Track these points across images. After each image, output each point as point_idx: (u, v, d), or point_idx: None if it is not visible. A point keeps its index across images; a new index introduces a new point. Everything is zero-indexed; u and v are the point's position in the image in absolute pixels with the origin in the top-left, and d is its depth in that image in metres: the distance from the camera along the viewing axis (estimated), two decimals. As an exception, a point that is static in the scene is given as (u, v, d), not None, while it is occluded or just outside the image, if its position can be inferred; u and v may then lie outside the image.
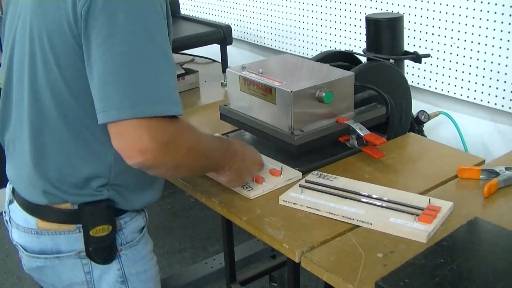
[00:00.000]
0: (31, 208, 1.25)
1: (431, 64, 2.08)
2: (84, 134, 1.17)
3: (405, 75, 1.78)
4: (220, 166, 1.32)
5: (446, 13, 1.98)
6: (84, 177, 1.19)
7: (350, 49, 2.30)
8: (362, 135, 1.49)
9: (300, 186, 1.39)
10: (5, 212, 1.35)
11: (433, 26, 2.04)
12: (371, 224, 1.25)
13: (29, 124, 1.20)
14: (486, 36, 1.89)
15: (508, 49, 1.85)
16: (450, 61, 2.02)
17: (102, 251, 1.23)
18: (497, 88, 1.91)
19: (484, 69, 1.92)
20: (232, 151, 1.33)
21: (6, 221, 1.35)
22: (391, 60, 1.73)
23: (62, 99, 1.15)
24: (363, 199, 1.33)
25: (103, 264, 1.25)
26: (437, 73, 2.07)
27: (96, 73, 1.07)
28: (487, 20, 1.87)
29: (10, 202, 1.32)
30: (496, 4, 1.84)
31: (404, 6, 2.11)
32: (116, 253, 1.26)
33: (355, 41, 2.31)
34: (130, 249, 1.28)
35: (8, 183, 1.35)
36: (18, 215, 1.28)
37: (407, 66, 1.98)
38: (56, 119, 1.17)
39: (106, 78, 1.06)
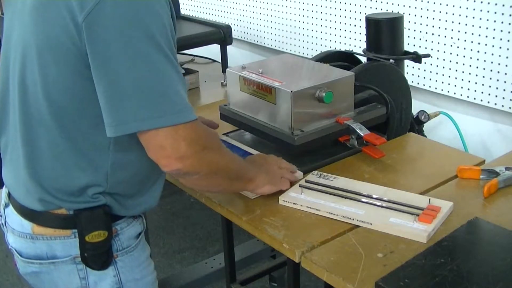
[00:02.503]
0: (26, 213, 1.23)
1: (431, 64, 2.08)
2: (81, 143, 1.16)
3: (405, 75, 1.78)
4: (249, 175, 1.31)
5: (446, 13, 1.99)
6: (81, 186, 1.18)
7: (350, 49, 2.30)
8: (362, 135, 1.49)
9: (300, 186, 1.39)
10: (1, 216, 1.34)
11: (433, 26, 2.04)
12: (371, 224, 1.25)
13: (21, 130, 1.18)
14: (486, 36, 1.89)
15: (508, 49, 1.85)
16: (450, 61, 2.02)
17: (97, 257, 1.22)
18: (497, 88, 1.91)
19: (484, 69, 1.93)
20: (251, 159, 1.37)
21: (2, 224, 1.33)
22: (391, 60, 1.73)
23: (58, 108, 1.14)
24: (363, 199, 1.33)
25: (98, 270, 1.23)
26: (437, 73, 2.07)
27: (112, 85, 1.07)
28: (487, 20, 1.87)
29: (6, 206, 1.30)
30: (496, 4, 1.84)
31: (404, 6, 2.11)
32: (112, 259, 1.24)
33: (355, 41, 2.31)
34: (127, 255, 1.26)
35: (4, 186, 1.33)
36: (13, 220, 1.27)
37: (407, 66, 1.98)
38: (52, 127, 1.15)
39: (125, 90, 1.06)
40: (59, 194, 1.18)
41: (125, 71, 1.06)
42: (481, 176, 1.43)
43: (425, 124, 1.89)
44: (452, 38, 1.99)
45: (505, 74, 1.88)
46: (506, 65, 1.87)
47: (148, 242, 1.36)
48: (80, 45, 1.07)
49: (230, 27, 2.24)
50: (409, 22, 2.09)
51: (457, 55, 1.99)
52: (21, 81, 1.17)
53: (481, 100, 1.96)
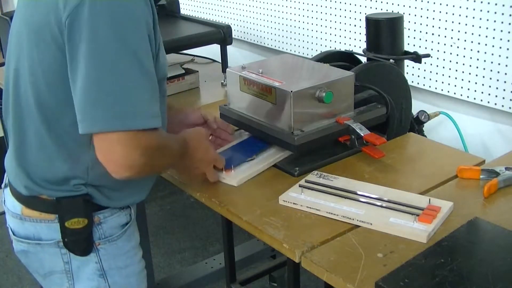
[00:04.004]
0: (17, 195, 1.29)
1: (431, 64, 2.08)
2: (63, 136, 1.20)
3: (405, 75, 1.78)
4: (175, 166, 1.38)
5: (446, 13, 1.98)
6: (63, 176, 1.23)
7: (350, 49, 2.30)
8: (362, 135, 1.49)
9: (300, 186, 1.39)
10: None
11: (433, 26, 2.04)
12: (371, 224, 1.25)
13: (13, 119, 1.25)
14: (486, 36, 1.89)
15: (508, 49, 1.85)
16: (450, 61, 2.02)
17: (78, 243, 1.26)
18: (497, 88, 1.91)
19: (484, 69, 1.92)
20: (186, 151, 1.34)
21: (3, 202, 1.39)
22: (391, 60, 1.73)
23: (43, 103, 1.19)
24: (363, 199, 1.33)
25: (80, 255, 1.28)
26: (437, 73, 2.07)
27: (80, 85, 1.09)
28: (487, 20, 1.87)
29: (5, 186, 1.37)
30: (496, 4, 1.84)
31: (404, 6, 2.11)
32: (93, 247, 1.28)
33: (355, 41, 2.31)
34: (109, 243, 1.30)
35: None
36: (8, 200, 1.33)
37: (407, 66, 1.97)
38: (38, 120, 1.20)
39: (90, 90, 1.09)
40: (42, 182, 1.24)
41: (93, 73, 1.08)
42: (481, 176, 1.43)
43: (425, 124, 1.88)
44: (452, 38, 1.99)
45: (505, 74, 1.87)
46: (506, 65, 1.86)
47: (148, 242, 1.37)
48: (62, 43, 1.11)
49: (230, 27, 2.24)
50: (409, 22, 2.09)
51: (457, 55, 1.99)
52: (14, 75, 1.24)
53: (481, 100, 1.96)
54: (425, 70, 2.11)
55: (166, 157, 1.25)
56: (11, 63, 1.25)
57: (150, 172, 1.25)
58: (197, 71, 2.26)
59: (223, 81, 2.22)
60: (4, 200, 1.37)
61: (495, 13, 1.85)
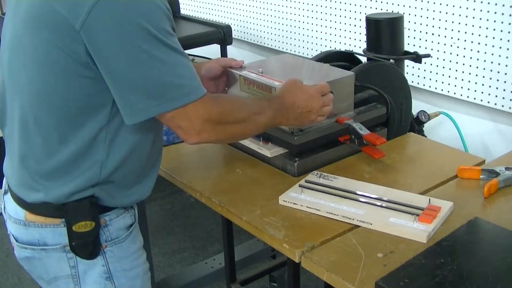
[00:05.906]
0: (20, 201, 1.28)
1: (431, 64, 2.08)
2: (77, 140, 1.19)
3: (405, 75, 1.78)
4: (276, 123, 1.36)
5: (446, 13, 1.99)
6: (72, 185, 1.21)
7: (350, 49, 2.30)
8: (362, 135, 1.49)
9: (300, 186, 1.39)
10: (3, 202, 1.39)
11: (433, 26, 2.04)
12: (371, 224, 1.25)
13: (18, 126, 1.22)
14: (486, 36, 1.89)
15: (508, 49, 1.85)
16: (450, 61, 2.02)
17: (85, 246, 1.25)
18: (497, 88, 1.91)
19: (484, 69, 1.93)
20: (280, 105, 1.35)
21: (2, 209, 1.38)
22: (391, 60, 1.73)
23: (53, 107, 1.17)
24: (363, 199, 1.33)
25: (87, 259, 1.27)
26: (437, 73, 2.07)
27: (119, 82, 1.13)
28: (487, 20, 1.87)
29: (5, 192, 1.35)
30: (496, 4, 1.84)
31: (404, 6, 2.11)
32: (100, 249, 1.27)
33: (355, 41, 2.31)
34: (116, 246, 1.29)
35: None
36: (10, 206, 1.31)
37: (407, 66, 1.98)
38: (49, 126, 1.18)
39: (132, 85, 1.13)
40: (52, 196, 1.22)
41: (127, 68, 1.12)
42: (481, 176, 1.43)
43: (425, 124, 1.89)
44: (452, 38, 1.99)
45: (505, 74, 1.88)
46: (506, 65, 1.87)
47: (148, 242, 1.36)
48: (78, 49, 1.11)
49: (230, 27, 2.24)
50: (409, 22, 2.09)
51: (457, 55, 1.99)
52: (17, 81, 1.21)
53: (481, 100, 1.96)
54: (425, 70, 2.11)
55: (233, 117, 1.26)
56: (8, 72, 1.23)
57: (229, 131, 1.27)
58: (197, 71, 2.26)
59: (223, 81, 2.21)
60: (4, 207, 1.34)
61: (495, 13, 1.85)
